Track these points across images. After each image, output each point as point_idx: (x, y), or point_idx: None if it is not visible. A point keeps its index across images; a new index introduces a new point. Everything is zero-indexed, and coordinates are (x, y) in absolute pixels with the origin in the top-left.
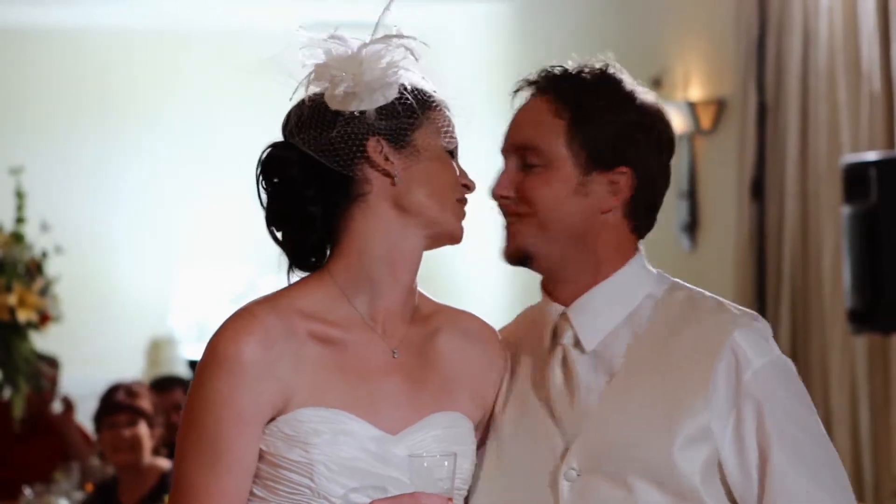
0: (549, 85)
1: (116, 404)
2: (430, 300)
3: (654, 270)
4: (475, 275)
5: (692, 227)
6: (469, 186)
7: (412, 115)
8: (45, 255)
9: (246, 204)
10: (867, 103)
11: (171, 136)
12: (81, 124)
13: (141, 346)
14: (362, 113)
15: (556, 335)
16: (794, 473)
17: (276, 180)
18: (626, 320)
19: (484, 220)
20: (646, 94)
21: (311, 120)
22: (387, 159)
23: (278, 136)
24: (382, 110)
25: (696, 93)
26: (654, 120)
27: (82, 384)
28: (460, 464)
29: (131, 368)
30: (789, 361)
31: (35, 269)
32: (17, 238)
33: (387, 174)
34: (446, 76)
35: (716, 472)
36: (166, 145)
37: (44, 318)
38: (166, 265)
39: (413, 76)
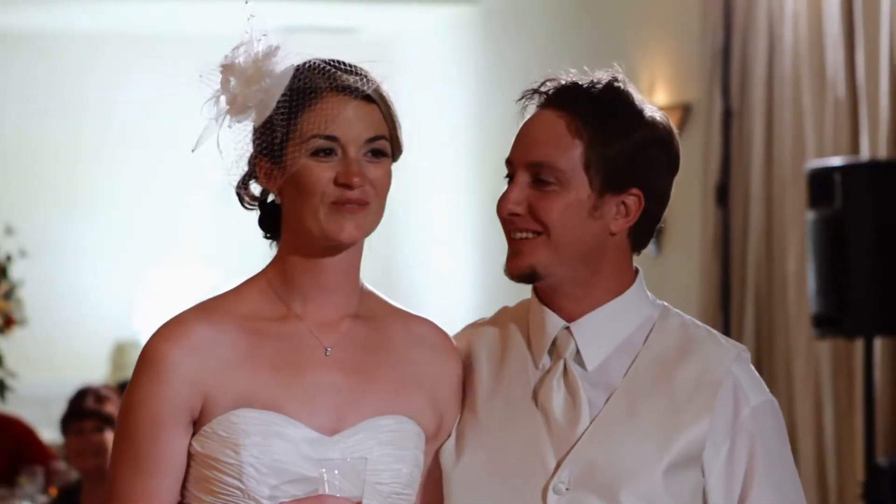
0: (565, 101)
1: (84, 410)
2: (384, 302)
3: (648, 292)
4: (439, 277)
5: (657, 232)
6: (348, 185)
7: (280, 128)
8: (9, 258)
9: (211, 208)
10: (832, 109)
11: (136, 140)
12: (46, 128)
13: (105, 349)
14: (254, 133)
15: (554, 348)
16: None
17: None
18: (625, 341)
19: (451, 222)
20: (654, 109)
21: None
22: (270, 177)
23: (242, 142)
24: (262, 128)
25: (660, 98)
26: (665, 137)
27: (46, 388)
28: (400, 469)
29: (96, 372)
30: (776, 403)
31: None
32: None
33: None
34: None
35: (700, 500)
36: (131, 149)
37: (8, 322)
38: (131, 269)
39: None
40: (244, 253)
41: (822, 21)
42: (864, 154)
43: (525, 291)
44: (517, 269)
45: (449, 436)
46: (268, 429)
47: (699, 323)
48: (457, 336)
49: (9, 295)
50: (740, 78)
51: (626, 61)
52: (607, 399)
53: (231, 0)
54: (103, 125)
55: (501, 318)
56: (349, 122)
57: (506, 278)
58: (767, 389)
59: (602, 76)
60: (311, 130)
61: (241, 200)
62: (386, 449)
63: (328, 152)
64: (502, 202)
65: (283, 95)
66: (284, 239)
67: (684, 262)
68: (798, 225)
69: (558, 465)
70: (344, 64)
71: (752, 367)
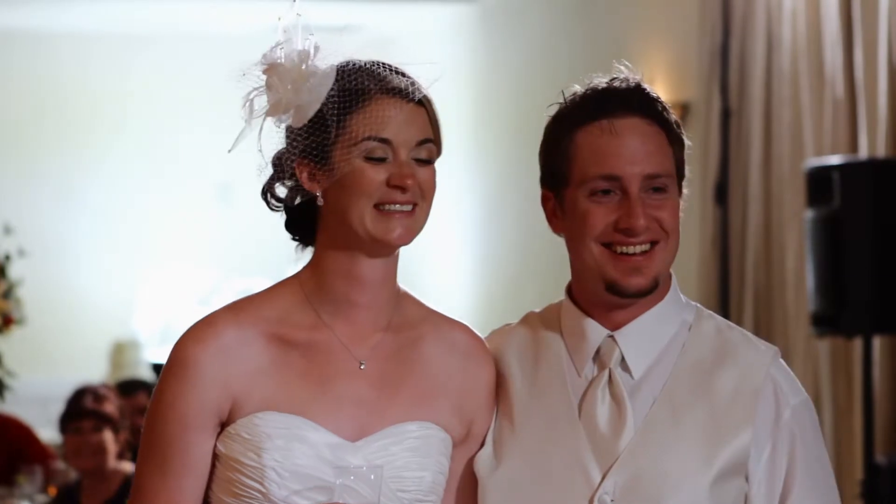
0: (646, 107)
1: (82, 410)
2: (421, 306)
3: (681, 294)
4: (437, 278)
5: None
6: (401, 187)
7: (327, 130)
8: (8, 258)
9: (210, 207)
10: (830, 108)
11: (136, 139)
12: (45, 127)
13: (104, 349)
14: (292, 134)
15: (597, 356)
16: None
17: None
18: (666, 347)
19: (448, 223)
20: None
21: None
22: (313, 179)
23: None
24: (305, 129)
25: (659, 96)
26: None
27: (45, 387)
28: (423, 476)
29: (94, 371)
30: (810, 400)
31: None
32: None
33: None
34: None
35: None
36: (130, 148)
37: (7, 321)
38: (130, 268)
39: (351, 77)
40: (243, 252)
41: (820, 20)
42: (863, 153)
43: (520, 294)
44: (641, 286)
45: (482, 443)
46: (290, 432)
47: (732, 325)
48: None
49: (7, 294)
50: (739, 77)
51: (625, 60)
52: (650, 408)
53: (234, 3)
54: (102, 125)
55: (530, 324)
56: (401, 125)
57: (503, 278)
58: (802, 387)
59: (627, 76)
60: (363, 133)
61: (268, 202)
62: (410, 455)
63: (380, 155)
64: (633, 221)
65: (330, 97)
66: (322, 244)
67: (683, 260)
68: (796, 224)
69: (603, 477)
70: (390, 66)
71: (786, 365)
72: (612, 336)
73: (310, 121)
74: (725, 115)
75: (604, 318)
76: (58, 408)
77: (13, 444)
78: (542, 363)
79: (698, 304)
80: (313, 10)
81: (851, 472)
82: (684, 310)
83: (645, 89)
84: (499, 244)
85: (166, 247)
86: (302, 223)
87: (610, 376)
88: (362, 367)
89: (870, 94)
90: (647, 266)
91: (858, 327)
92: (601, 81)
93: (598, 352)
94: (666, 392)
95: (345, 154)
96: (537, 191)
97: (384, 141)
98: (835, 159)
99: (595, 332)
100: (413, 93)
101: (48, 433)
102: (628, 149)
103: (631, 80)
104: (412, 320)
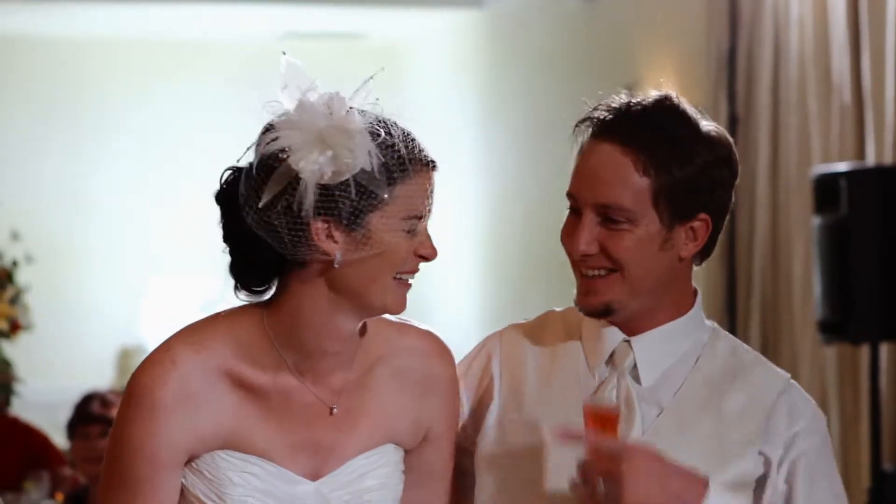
0: (627, 133)
1: (90, 415)
2: (375, 321)
3: (702, 312)
4: (444, 287)
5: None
6: (426, 257)
7: (372, 196)
8: (15, 264)
9: (217, 214)
10: (837, 114)
11: (143, 145)
12: (52, 133)
13: (111, 355)
14: (306, 189)
15: (611, 359)
16: None
17: (230, 209)
18: (677, 361)
19: (452, 237)
20: (708, 124)
21: (256, 187)
22: (332, 240)
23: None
24: (337, 189)
25: (659, 122)
26: (726, 153)
27: (52, 393)
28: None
29: (101, 378)
30: (825, 424)
31: (5, 278)
32: None
33: (327, 255)
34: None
35: None
36: (137, 155)
37: (14, 327)
38: (137, 274)
39: (387, 140)
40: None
41: (827, 26)
42: (870, 160)
43: (526, 302)
44: (591, 307)
45: (479, 431)
46: (250, 475)
47: (748, 347)
48: (499, 333)
49: (15, 300)
50: (746, 83)
51: (632, 67)
52: (657, 416)
53: (240, 9)
54: (110, 131)
55: (549, 322)
56: (430, 196)
57: (510, 287)
58: (819, 411)
59: (654, 97)
60: (409, 209)
61: (240, 290)
62: (372, 487)
63: (421, 218)
64: (573, 244)
65: (376, 160)
66: (298, 297)
67: None
68: (804, 231)
69: None
70: (406, 130)
71: (802, 390)
72: (628, 341)
73: (344, 181)
74: (733, 121)
75: (620, 325)
76: (64, 414)
77: (31, 450)
78: (559, 360)
79: (715, 325)
80: (321, 16)
81: (858, 479)
82: (702, 329)
83: (638, 112)
84: (504, 251)
85: (173, 254)
86: (256, 270)
87: (619, 380)
88: (334, 412)
89: (877, 100)
90: (598, 290)
91: (865, 334)
92: (619, 99)
93: (612, 354)
94: (675, 404)
95: (387, 225)
96: (543, 197)
97: (421, 217)
98: (842, 166)
99: (612, 335)
100: (436, 163)
101: (55, 439)
102: (586, 173)
103: (633, 104)
104: (368, 344)
